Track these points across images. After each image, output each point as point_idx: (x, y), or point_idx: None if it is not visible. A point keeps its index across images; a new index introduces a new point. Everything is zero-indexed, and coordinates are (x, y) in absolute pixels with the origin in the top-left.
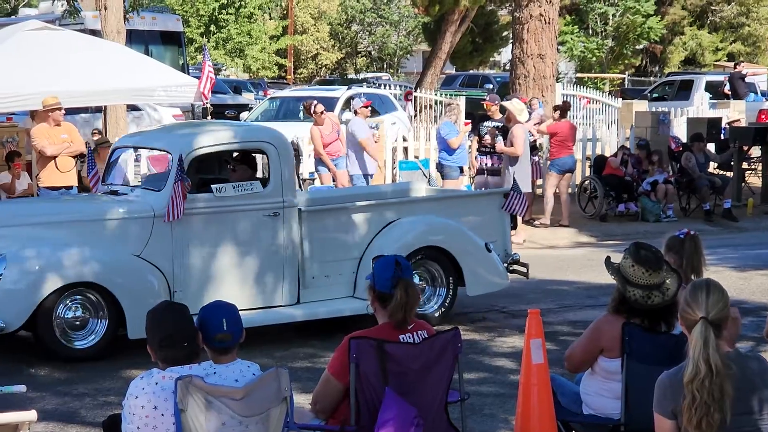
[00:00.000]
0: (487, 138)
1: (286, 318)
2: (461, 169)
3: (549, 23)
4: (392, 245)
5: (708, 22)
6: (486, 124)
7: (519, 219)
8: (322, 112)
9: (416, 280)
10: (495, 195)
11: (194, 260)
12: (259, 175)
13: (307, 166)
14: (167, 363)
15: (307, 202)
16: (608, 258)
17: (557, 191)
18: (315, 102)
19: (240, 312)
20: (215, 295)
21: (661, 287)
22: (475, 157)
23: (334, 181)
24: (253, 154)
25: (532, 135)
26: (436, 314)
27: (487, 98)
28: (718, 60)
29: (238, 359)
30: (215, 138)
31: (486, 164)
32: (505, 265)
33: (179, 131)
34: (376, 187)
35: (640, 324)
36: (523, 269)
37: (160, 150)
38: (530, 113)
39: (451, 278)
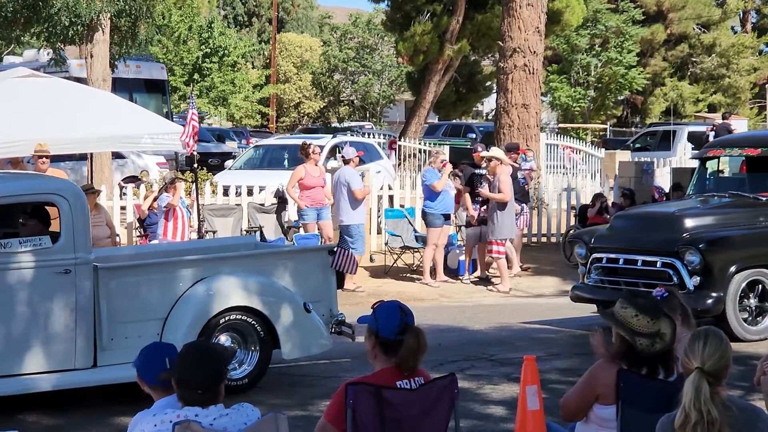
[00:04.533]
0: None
1: (79, 382)
2: (446, 217)
3: (533, 74)
4: (198, 305)
5: (689, 73)
6: (477, 172)
7: (351, 277)
8: (318, 154)
9: (227, 342)
10: (320, 251)
11: None
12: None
13: (292, 214)
14: (182, 401)
15: (103, 259)
16: (604, 310)
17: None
18: (315, 145)
19: (28, 376)
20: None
21: (660, 333)
22: (474, 209)
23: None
24: (47, 208)
25: (527, 183)
26: (246, 380)
27: (479, 149)
28: (699, 111)
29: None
30: None
31: (481, 213)
32: (331, 326)
33: None
34: (185, 244)
35: (638, 371)
36: (349, 330)
37: None
38: (521, 165)
39: (264, 341)
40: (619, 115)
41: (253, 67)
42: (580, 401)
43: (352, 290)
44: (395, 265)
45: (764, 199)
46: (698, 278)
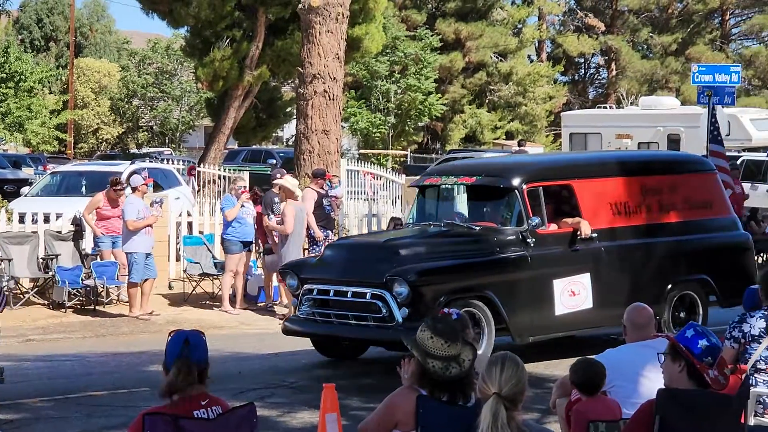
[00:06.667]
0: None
1: None
2: (245, 244)
3: (333, 99)
4: None
5: (487, 101)
6: (277, 200)
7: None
8: (123, 189)
9: None
10: None
11: None
12: None
13: (89, 242)
14: None
15: None
16: (405, 334)
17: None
18: (124, 182)
19: None
20: None
21: (458, 359)
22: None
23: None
24: None
25: (332, 210)
26: None
27: (278, 175)
28: (497, 138)
29: None
30: None
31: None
32: None
33: None
34: None
35: (437, 397)
36: None
37: None
38: (328, 192)
39: None
40: (419, 142)
41: (50, 93)
42: (378, 428)
43: (147, 318)
44: (194, 292)
45: (477, 228)
46: (407, 310)
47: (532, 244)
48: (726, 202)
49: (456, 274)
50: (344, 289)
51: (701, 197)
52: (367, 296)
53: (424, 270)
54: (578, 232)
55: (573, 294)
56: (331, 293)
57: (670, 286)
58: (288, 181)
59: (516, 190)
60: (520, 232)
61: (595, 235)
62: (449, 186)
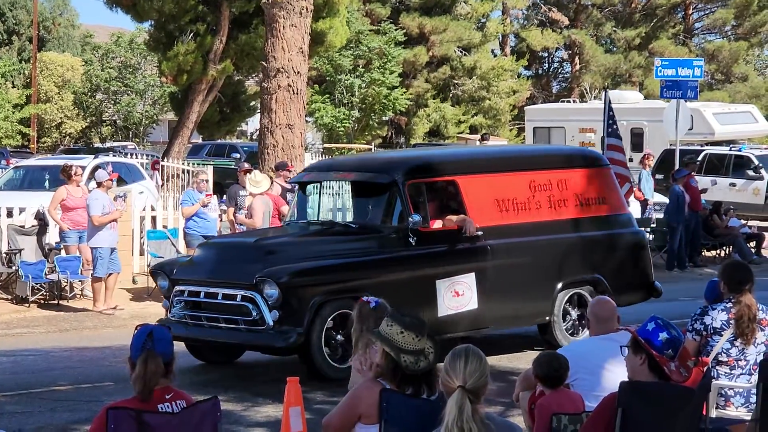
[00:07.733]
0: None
1: None
2: (206, 238)
3: (297, 94)
4: None
5: (451, 95)
6: (242, 194)
7: None
8: (79, 176)
9: None
10: None
11: None
12: None
13: (53, 236)
14: None
15: None
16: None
17: None
18: (76, 166)
19: None
20: None
21: (424, 352)
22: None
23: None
24: None
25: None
26: None
27: (240, 167)
28: (461, 132)
29: None
30: None
31: None
32: None
33: None
34: None
35: (402, 390)
36: None
37: None
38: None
39: None
40: (384, 136)
41: (13, 87)
42: (342, 421)
43: (111, 313)
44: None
45: (356, 226)
46: (278, 313)
47: (413, 243)
48: (620, 198)
49: (331, 275)
50: (215, 290)
51: (594, 193)
52: (238, 298)
53: (296, 271)
54: (463, 230)
55: (457, 294)
56: (202, 295)
57: (560, 285)
58: (254, 177)
59: (396, 186)
60: (401, 230)
61: (480, 233)
62: (329, 182)
